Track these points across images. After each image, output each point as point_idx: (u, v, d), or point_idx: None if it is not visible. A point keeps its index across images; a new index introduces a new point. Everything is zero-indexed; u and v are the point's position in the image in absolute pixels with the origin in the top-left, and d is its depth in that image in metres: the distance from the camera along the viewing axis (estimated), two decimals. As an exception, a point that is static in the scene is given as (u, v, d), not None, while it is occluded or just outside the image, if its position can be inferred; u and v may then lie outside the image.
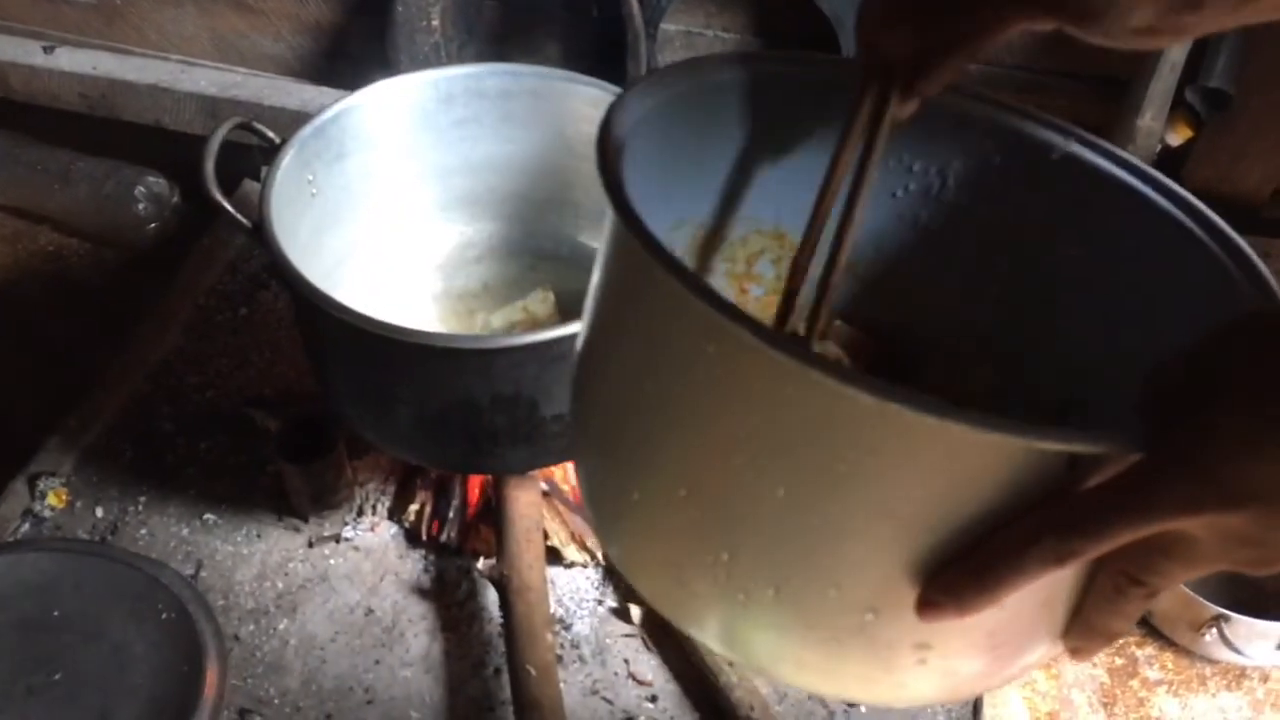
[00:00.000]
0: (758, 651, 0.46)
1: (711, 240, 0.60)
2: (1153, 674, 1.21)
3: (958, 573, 0.40)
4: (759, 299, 0.62)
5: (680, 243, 0.58)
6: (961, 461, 0.38)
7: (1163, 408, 0.38)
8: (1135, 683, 1.20)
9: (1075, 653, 0.44)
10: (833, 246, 0.56)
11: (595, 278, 0.49)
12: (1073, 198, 0.55)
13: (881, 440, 0.38)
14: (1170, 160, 1.33)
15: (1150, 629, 1.24)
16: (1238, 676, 1.21)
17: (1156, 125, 1.27)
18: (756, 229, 0.61)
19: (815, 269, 0.56)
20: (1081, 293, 0.55)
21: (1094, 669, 1.21)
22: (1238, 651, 1.16)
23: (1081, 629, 0.43)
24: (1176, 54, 1.21)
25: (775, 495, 0.40)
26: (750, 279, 0.62)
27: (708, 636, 0.47)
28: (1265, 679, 1.21)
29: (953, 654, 0.43)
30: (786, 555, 0.42)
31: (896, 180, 0.59)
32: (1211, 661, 1.21)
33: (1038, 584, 0.39)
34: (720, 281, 0.61)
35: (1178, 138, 1.31)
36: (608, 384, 0.48)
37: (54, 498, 1.19)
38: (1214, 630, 1.16)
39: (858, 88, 0.53)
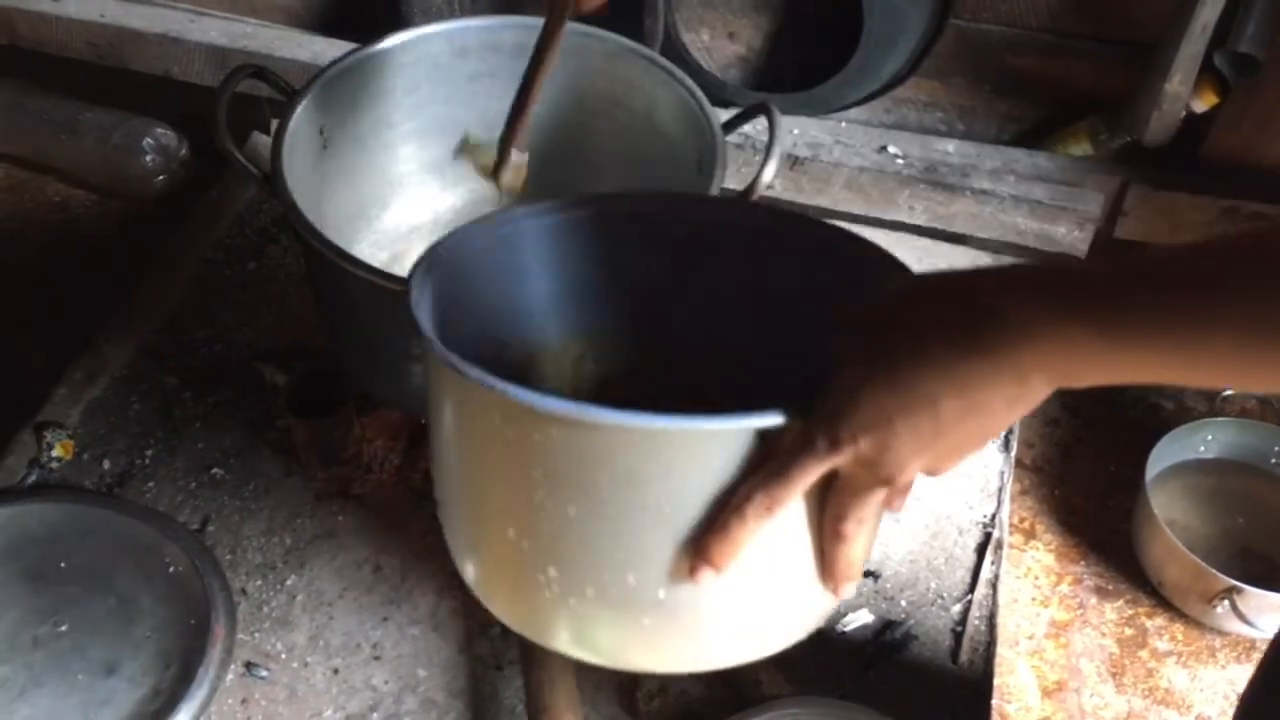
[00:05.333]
0: (596, 645, 0.58)
1: (539, 354, 0.75)
2: (1162, 645, 1.21)
3: (706, 538, 0.53)
4: (588, 393, 0.77)
5: (513, 358, 0.74)
6: (687, 454, 0.52)
7: (814, 380, 0.52)
8: (1144, 653, 1.20)
9: (833, 590, 0.58)
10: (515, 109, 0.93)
11: (428, 398, 0.62)
12: (773, 252, 0.71)
13: (627, 452, 0.51)
14: (1195, 128, 1.31)
15: (1160, 600, 1.23)
16: (1247, 649, 1.20)
17: (1183, 90, 1.25)
18: (570, 335, 0.76)
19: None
20: (788, 314, 0.70)
21: (1103, 639, 1.21)
22: (1249, 623, 1.15)
23: (826, 568, 0.56)
24: (1208, 15, 1.18)
25: (569, 515, 0.54)
26: (578, 378, 0.78)
27: (557, 642, 0.60)
28: (1276, 652, 1.20)
29: (737, 610, 0.57)
30: (591, 559, 0.55)
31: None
32: (1222, 633, 1.21)
33: (781, 536, 0.54)
34: (556, 384, 0.77)
35: (1203, 104, 1.28)
36: (445, 462, 0.61)
37: (60, 449, 1.18)
38: (1225, 602, 1.15)
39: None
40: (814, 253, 0.69)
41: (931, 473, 0.52)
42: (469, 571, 0.63)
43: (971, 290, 0.49)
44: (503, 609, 0.62)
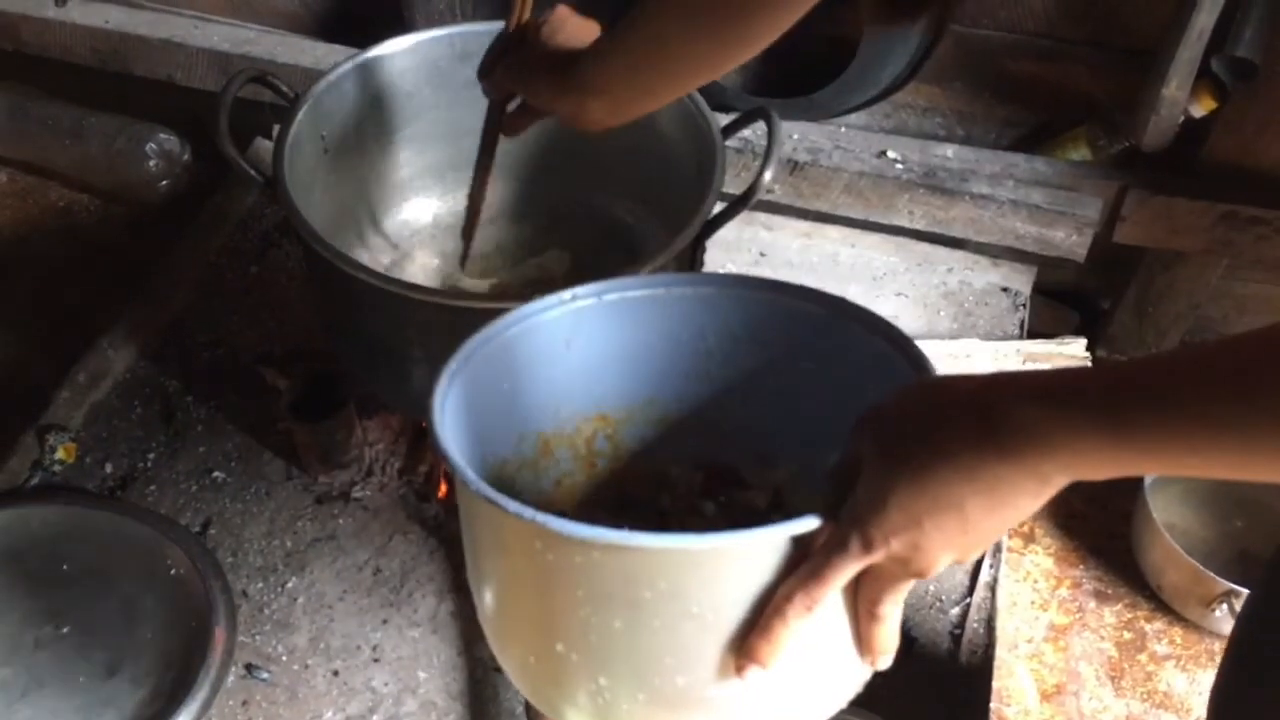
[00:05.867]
0: None
1: (554, 438, 0.77)
2: (1161, 648, 1.21)
3: (751, 639, 0.55)
4: (604, 468, 0.80)
5: (529, 449, 0.76)
6: (726, 566, 0.54)
7: (840, 481, 0.55)
8: (1143, 657, 1.20)
9: (872, 664, 0.60)
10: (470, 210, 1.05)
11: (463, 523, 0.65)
12: (806, 335, 0.72)
13: (667, 569, 0.54)
14: (1193, 132, 1.31)
15: (1159, 604, 1.23)
16: (1247, 653, 1.20)
17: (1181, 95, 1.25)
18: (583, 418, 0.78)
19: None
20: (819, 401, 0.71)
21: (1102, 642, 1.21)
22: (1248, 627, 1.15)
23: (864, 646, 0.59)
24: (1205, 21, 1.18)
25: (615, 628, 0.56)
26: (594, 455, 0.79)
27: None
28: (1275, 655, 1.20)
29: (787, 695, 0.59)
30: (640, 667, 0.58)
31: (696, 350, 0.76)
32: (1221, 637, 1.21)
33: (821, 629, 0.56)
34: (571, 465, 0.79)
35: (1201, 109, 1.29)
36: (492, 586, 0.64)
37: (63, 452, 1.19)
38: (1224, 606, 1.15)
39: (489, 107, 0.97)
40: (844, 336, 0.70)
41: (959, 562, 0.54)
42: (523, 683, 0.66)
43: (989, 398, 0.51)
44: (555, 713, 0.64)
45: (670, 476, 0.80)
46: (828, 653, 0.59)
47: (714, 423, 0.78)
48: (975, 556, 0.54)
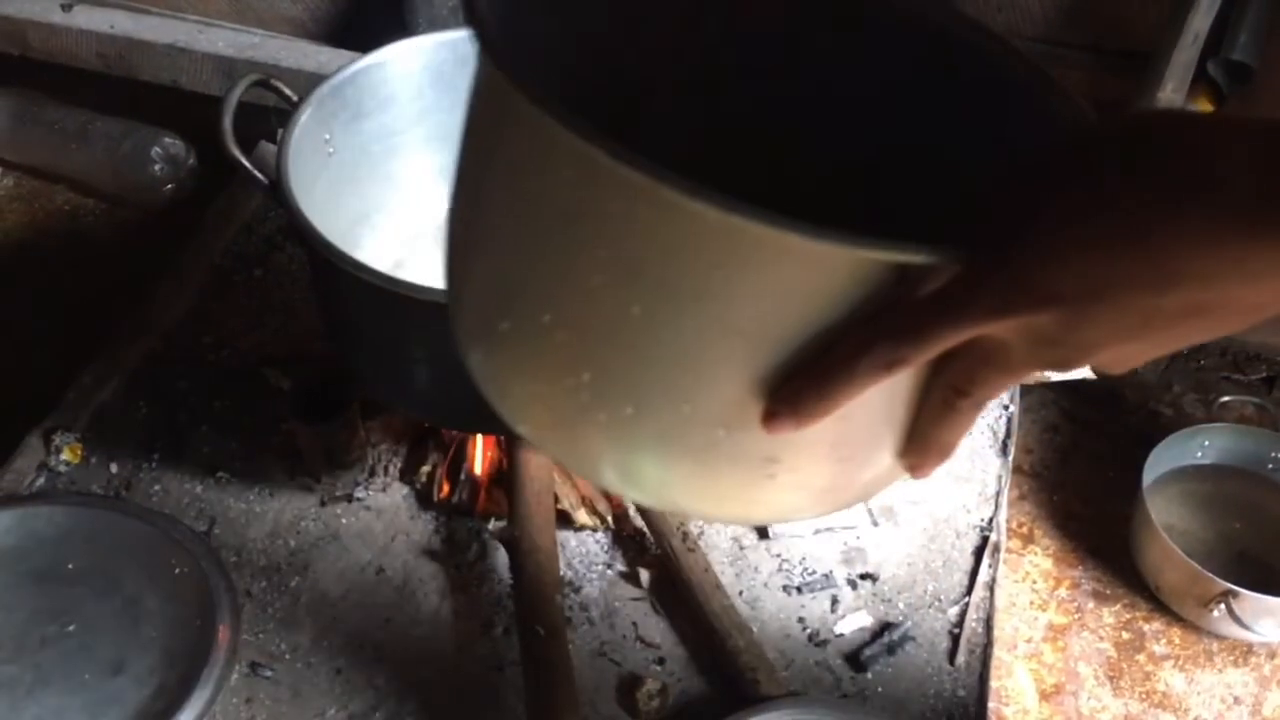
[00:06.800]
0: (620, 472, 0.48)
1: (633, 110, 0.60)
2: (1159, 649, 1.21)
3: (798, 383, 0.41)
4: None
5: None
6: (801, 274, 0.40)
7: (985, 222, 0.39)
8: (1142, 657, 1.21)
9: (913, 469, 0.47)
10: None
11: (461, 132, 0.50)
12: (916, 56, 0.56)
13: (726, 254, 0.39)
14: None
15: (1158, 604, 1.24)
16: (1244, 653, 1.21)
17: (1178, 98, 1.26)
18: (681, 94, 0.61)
19: None
20: (927, 140, 0.56)
21: (1101, 643, 1.21)
22: (1246, 627, 1.16)
23: (917, 442, 0.45)
24: (1200, 24, 1.19)
25: (631, 314, 0.42)
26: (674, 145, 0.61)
27: (576, 462, 0.50)
28: (1272, 655, 1.21)
29: (800, 467, 0.46)
30: (642, 373, 0.43)
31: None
32: (1219, 637, 1.21)
33: (874, 396, 0.41)
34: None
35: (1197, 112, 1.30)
36: (475, 222, 0.49)
37: (69, 453, 1.20)
38: (1222, 606, 1.16)
39: None
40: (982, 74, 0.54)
41: (1103, 369, 0.41)
42: (475, 356, 0.50)
43: (1269, 142, 0.34)
44: (520, 414, 0.49)
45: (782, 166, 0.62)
46: (864, 434, 0.46)
47: (808, 154, 0.61)
48: (1130, 367, 0.41)
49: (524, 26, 0.48)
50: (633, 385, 0.44)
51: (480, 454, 1.17)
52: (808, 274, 0.40)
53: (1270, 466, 1.33)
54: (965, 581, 1.15)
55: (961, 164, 0.50)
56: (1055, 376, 0.39)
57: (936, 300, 0.39)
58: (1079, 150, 0.40)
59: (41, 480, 1.19)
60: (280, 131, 1.02)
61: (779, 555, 1.16)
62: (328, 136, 1.07)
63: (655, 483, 0.47)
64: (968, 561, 1.17)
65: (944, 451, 0.45)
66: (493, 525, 1.10)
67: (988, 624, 1.11)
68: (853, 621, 1.11)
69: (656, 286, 0.41)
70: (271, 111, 1.44)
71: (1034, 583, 1.27)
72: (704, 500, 0.48)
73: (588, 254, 0.42)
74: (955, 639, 1.10)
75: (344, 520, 1.17)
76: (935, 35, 0.55)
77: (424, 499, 1.18)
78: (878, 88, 0.58)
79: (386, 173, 1.17)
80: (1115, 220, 0.36)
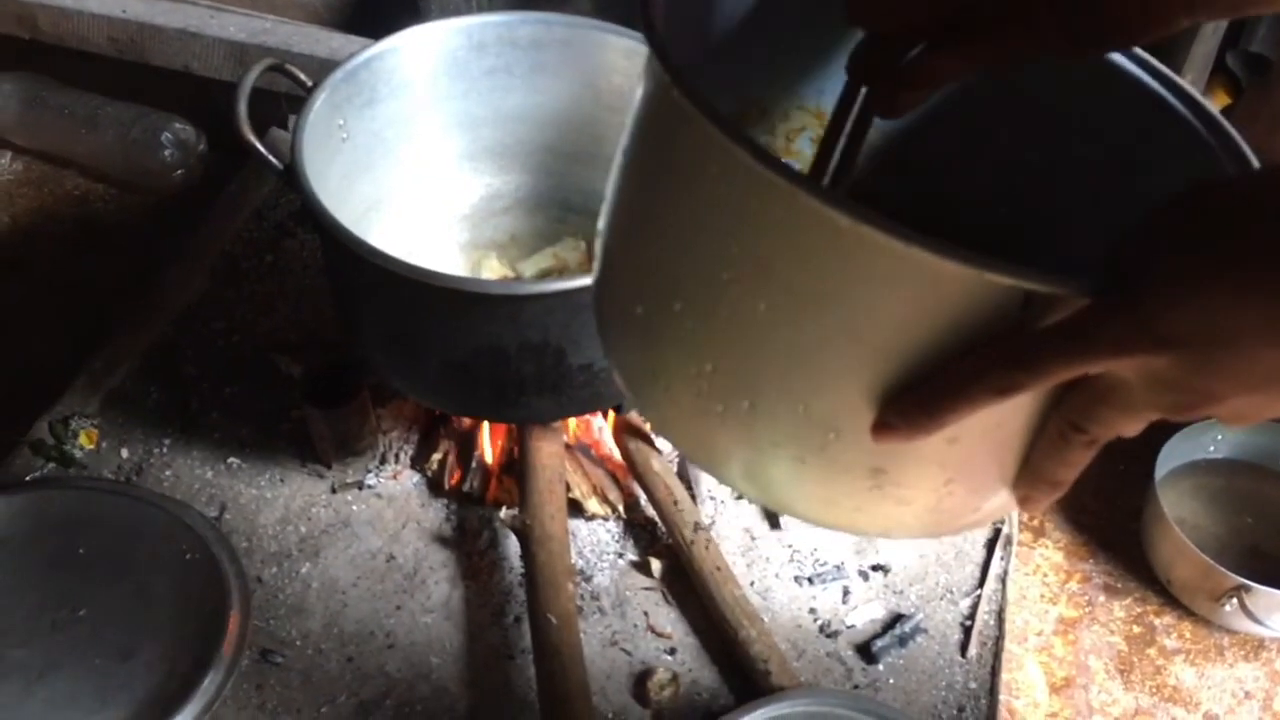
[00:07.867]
0: (728, 464, 0.49)
1: (753, 114, 0.61)
2: (1170, 643, 1.21)
3: (910, 396, 0.42)
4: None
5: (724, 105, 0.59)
6: (926, 291, 0.40)
7: (1119, 260, 0.39)
8: (1153, 651, 1.20)
9: (1024, 501, 0.47)
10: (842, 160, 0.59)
11: (625, 134, 0.51)
12: (1078, 85, 0.57)
13: (857, 263, 0.40)
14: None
15: (1169, 598, 1.23)
16: (1255, 647, 1.21)
17: (1195, 90, 1.25)
18: (799, 105, 0.62)
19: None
20: (1078, 173, 0.57)
21: (1112, 636, 1.21)
22: (1258, 622, 1.16)
23: (1029, 476, 0.45)
24: (1219, 17, 1.19)
25: (757, 310, 0.43)
26: (789, 155, 0.63)
27: (685, 444, 0.51)
28: (1284, 650, 1.21)
29: (905, 483, 0.46)
30: (762, 370, 0.45)
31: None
32: (1230, 632, 1.21)
33: (985, 422, 0.42)
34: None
35: (1215, 104, 1.29)
36: (623, 210, 0.51)
37: (85, 438, 1.20)
38: (1234, 600, 1.16)
39: (845, 84, 0.56)
40: (1160, 122, 0.55)
41: (1224, 419, 0.41)
42: (610, 338, 0.53)
43: None
44: (642, 394, 0.51)
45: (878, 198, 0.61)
46: (970, 456, 0.45)
47: (935, 180, 0.62)
48: (1249, 422, 0.41)
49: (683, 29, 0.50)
50: (751, 380, 0.45)
51: (491, 442, 1.17)
52: (933, 291, 0.40)
53: (1283, 461, 1.33)
54: (977, 574, 1.15)
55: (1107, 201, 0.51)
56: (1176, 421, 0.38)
57: (1058, 331, 0.39)
58: (1223, 198, 0.39)
59: (53, 465, 1.19)
60: (294, 117, 1.01)
61: (790, 546, 1.15)
62: (341, 122, 1.07)
63: (765, 480, 0.48)
64: (979, 554, 1.17)
65: (1055, 487, 0.45)
66: (504, 513, 1.10)
67: (999, 617, 1.11)
68: (864, 613, 1.11)
69: (784, 287, 0.42)
70: (283, 97, 1.44)
71: (1045, 576, 1.26)
72: (812, 503, 0.49)
73: (723, 249, 0.44)
74: (967, 631, 1.10)
75: (355, 507, 1.17)
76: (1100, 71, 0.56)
77: (435, 486, 1.18)
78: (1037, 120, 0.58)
79: (400, 158, 1.16)
80: (1252, 272, 0.36)
